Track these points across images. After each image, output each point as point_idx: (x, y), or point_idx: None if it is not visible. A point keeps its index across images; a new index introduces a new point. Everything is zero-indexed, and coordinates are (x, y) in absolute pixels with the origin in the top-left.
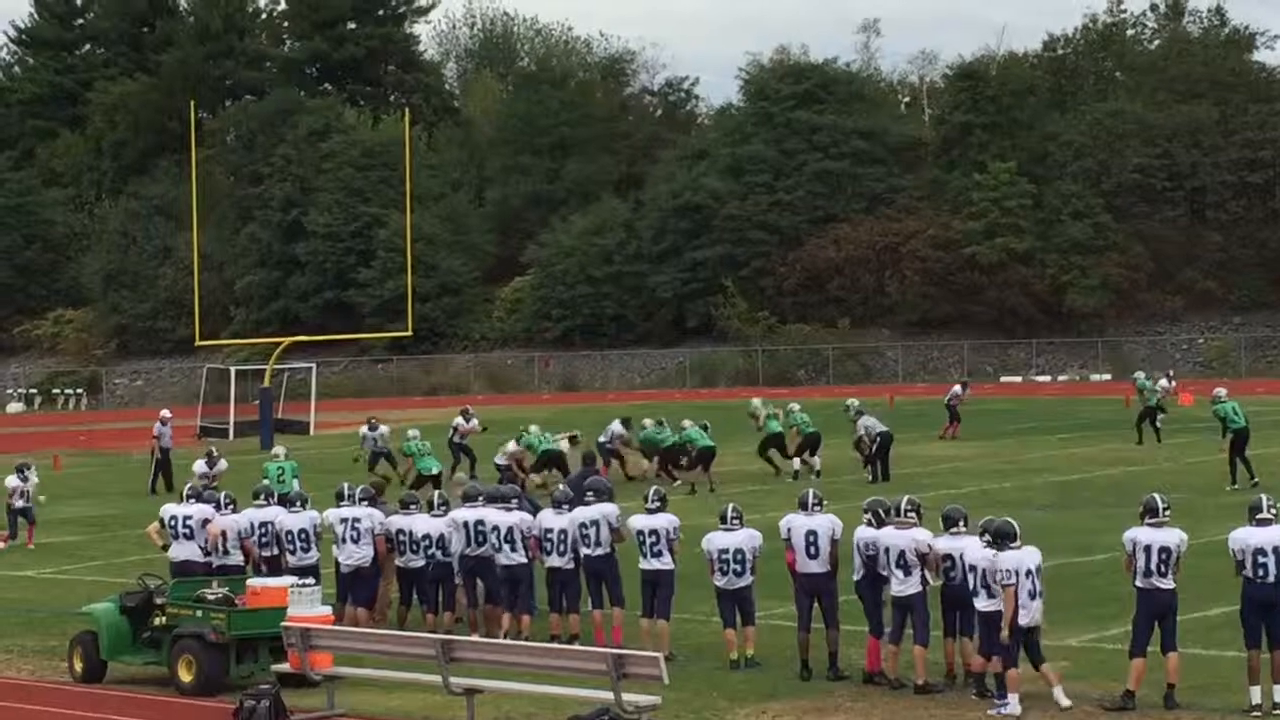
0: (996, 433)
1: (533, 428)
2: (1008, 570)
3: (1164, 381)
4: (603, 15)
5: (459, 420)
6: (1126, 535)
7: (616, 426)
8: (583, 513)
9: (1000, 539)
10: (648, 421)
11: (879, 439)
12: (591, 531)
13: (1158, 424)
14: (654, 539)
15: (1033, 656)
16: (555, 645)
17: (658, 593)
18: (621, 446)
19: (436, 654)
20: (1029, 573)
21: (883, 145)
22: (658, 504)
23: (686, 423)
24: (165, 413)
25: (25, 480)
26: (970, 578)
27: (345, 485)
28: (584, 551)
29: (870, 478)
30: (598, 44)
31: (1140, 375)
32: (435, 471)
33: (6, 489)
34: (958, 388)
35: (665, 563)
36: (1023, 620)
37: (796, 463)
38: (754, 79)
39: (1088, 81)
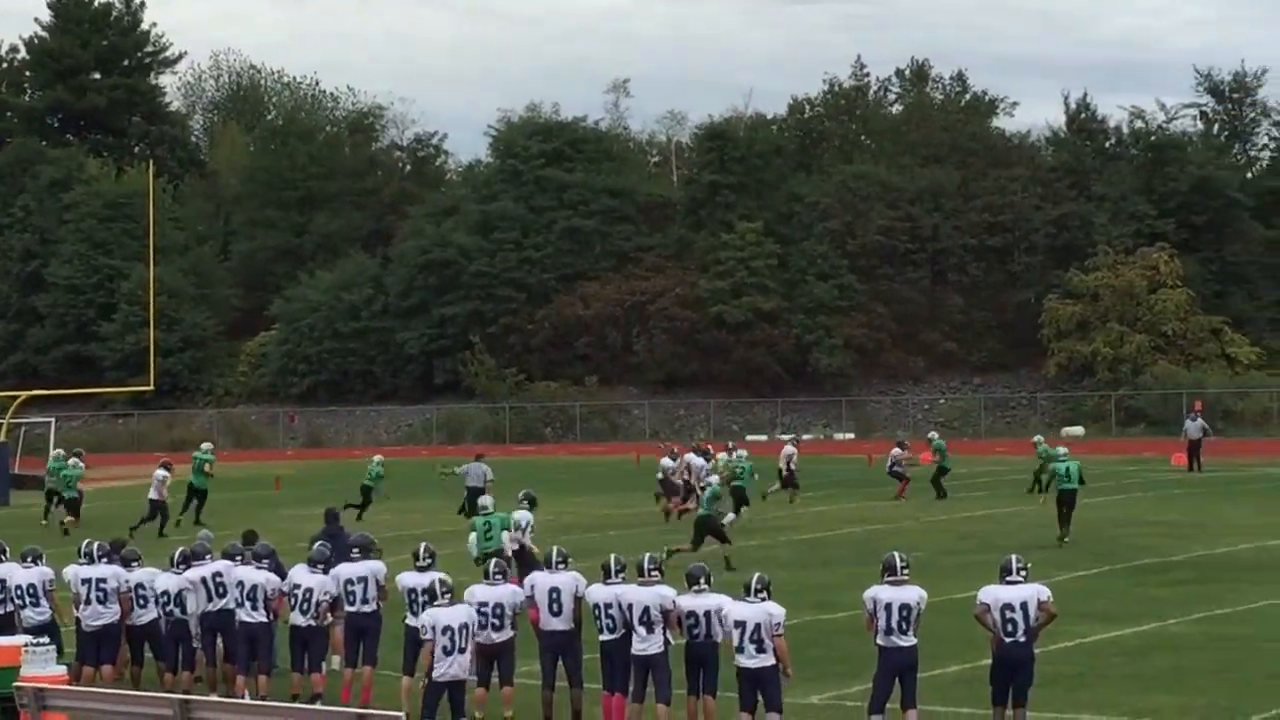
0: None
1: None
2: (426, 626)
3: (896, 450)
4: (351, 70)
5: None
6: (867, 594)
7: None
8: (349, 569)
9: (431, 598)
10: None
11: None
12: (358, 588)
13: (942, 482)
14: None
15: (455, 708)
16: (295, 705)
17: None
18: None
19: (174, 714)
20: (446, 629)
21: (631, 204)
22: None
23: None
24: None
25: None
26: (737, 633)
27: (86, 543)
28: (348, 608)
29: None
30: (345, 98)
31: (934, 435)
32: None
33: None
34: (897, 449)
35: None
36: (441, 676)
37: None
38: (503, 136)
39: (833, 144)
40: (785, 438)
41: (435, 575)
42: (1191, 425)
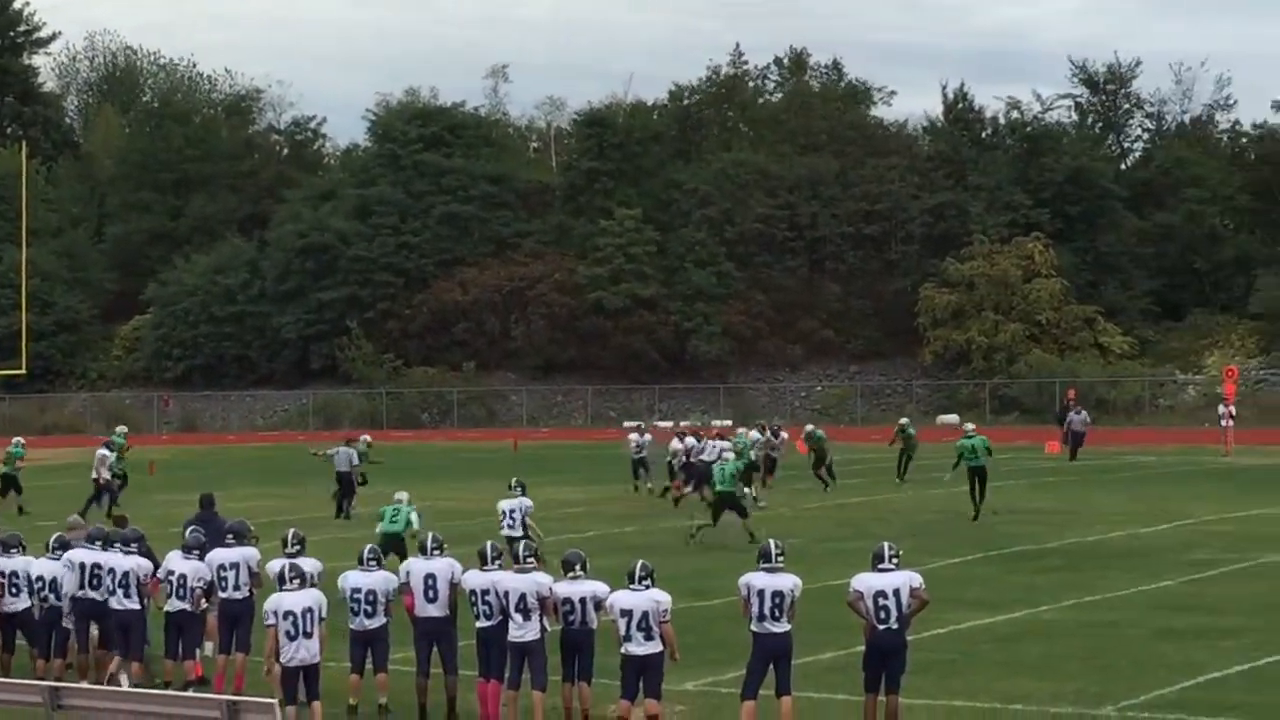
0: (622, 477)
1: None
2: (268, 611)
3: (754, 434)
4: (229, 52)
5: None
6: (741, 580)
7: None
8: (223, 555)
9: (281, 581)
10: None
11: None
12: (230, 575)
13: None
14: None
15: (309, 692)
16: (168, 692)
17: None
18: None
19: (44, 701)
20: (288, 614)
21: (510, 190)
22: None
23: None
24: None
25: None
26: (624, 622)
27: None
28: (221, 594)
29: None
30: (223, 81)
31: (811, 427)
32: None
33: None
34: (754, 434)
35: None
36: (289, 660)
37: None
38: (381, 120)
39: (712, 132)
40: (754, 427)
41: (289, 560)
42: (1076, 418)
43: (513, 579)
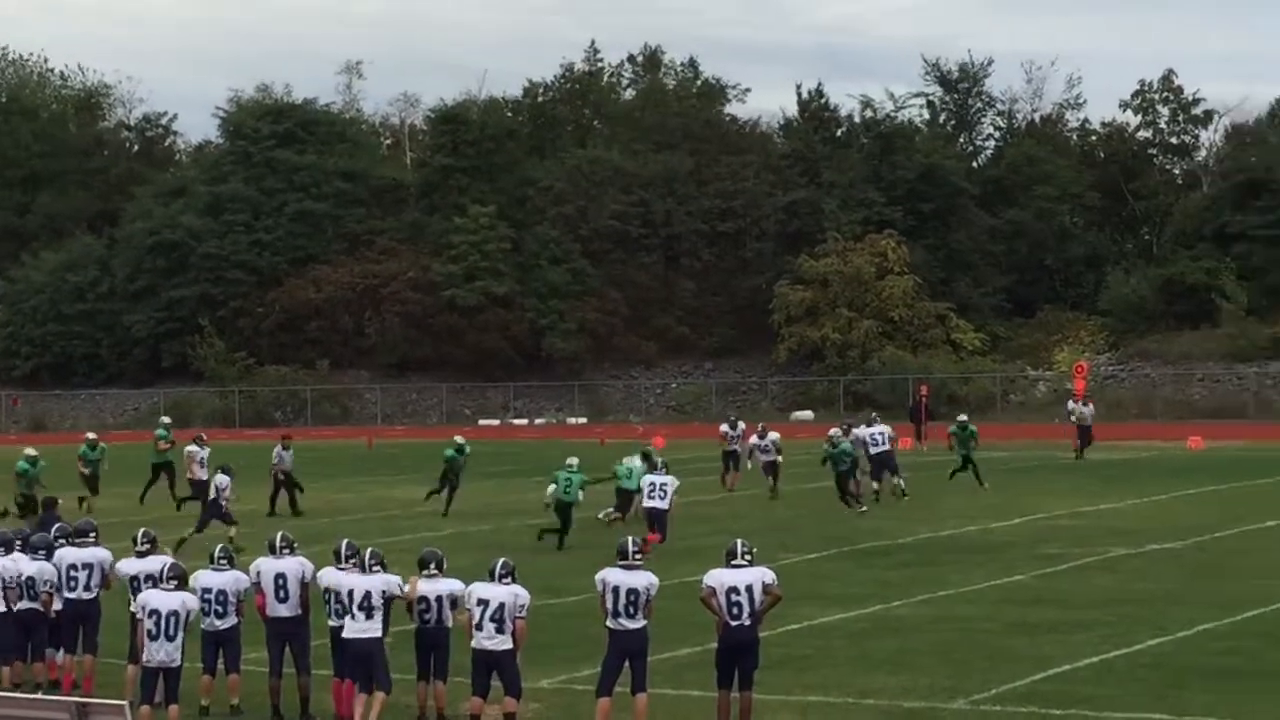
0: (478, 475)
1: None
2: (138, 606)
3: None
4: (79, 47)
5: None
6: (598, 576)
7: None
8: (74, 555)
9: (155, 582)
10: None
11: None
12: (81, 575)
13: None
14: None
15: (168, 694)
16: (17, 695)
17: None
18: None
19: None
20: (153, 612)
21: (364, 186)
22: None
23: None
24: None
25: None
26: (478, 611)
27: None
28: (68, 595)
29: None
30: (73, 76)
31: (964, 418)
32: None
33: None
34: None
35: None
36: (149, 661)
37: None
38: (233, 117)
39: (566, 129)
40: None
41: (166, 559)
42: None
43: (358, 577)
